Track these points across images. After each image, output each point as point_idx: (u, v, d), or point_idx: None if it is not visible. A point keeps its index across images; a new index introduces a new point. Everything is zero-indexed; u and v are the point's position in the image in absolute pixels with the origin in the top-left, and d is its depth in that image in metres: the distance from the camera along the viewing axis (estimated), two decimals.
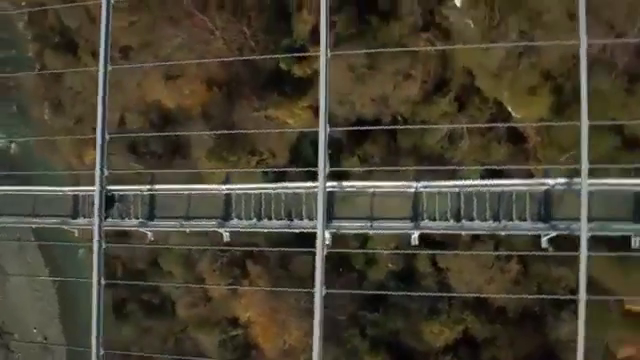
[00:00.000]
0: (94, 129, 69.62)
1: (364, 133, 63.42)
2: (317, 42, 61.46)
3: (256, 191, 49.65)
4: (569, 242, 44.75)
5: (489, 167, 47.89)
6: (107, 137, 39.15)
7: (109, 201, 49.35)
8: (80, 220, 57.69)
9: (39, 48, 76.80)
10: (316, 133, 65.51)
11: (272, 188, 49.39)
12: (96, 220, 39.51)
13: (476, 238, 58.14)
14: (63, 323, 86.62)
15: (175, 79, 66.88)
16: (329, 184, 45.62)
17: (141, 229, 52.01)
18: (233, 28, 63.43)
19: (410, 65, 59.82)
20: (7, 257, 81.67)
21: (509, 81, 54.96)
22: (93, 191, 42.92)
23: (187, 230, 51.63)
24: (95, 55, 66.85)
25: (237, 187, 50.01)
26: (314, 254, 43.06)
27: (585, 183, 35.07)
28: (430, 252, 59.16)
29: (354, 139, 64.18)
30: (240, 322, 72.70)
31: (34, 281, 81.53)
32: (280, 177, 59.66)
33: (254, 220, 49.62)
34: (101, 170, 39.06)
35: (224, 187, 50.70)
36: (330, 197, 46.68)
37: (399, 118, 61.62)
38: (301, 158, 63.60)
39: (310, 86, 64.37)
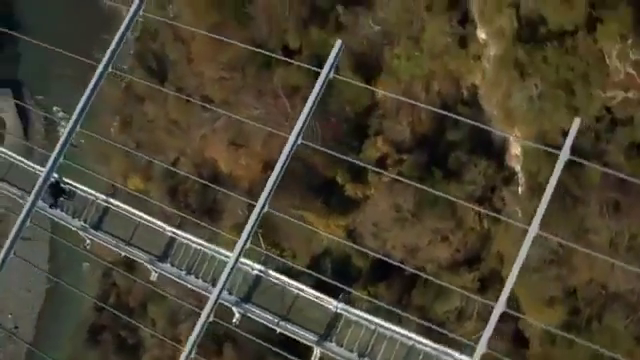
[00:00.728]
0: (150, 161, 71.69)
1: (385, 275, 63.34)
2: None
3: (197, 246, 48.99)
4: None
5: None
6: (77, 129, 39.55)
7: (60, 192, 49.40)
8: None
9: (135, 64, 78.77)
10: (341, 255, 66.44)
11: (208, 249, 48.66)
12: (31, 197, 40.09)
13: None
14: (39, 320, 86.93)
15: (238, 147, 68.00)
16: (257, 266, 45.41)
17: (80, 232, 51.60)
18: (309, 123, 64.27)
19: (451, 230, 60.16)
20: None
21: (532, 283, 54.50)
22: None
23: (122, 253, 51.04)
24: (181, 90, 68.78)
25: (181, 234, 49.48)
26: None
27: None
28: None
29: (373, 275, 64.18)
30: None
31: (30, 272, 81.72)
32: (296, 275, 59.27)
33: (183, 272, 48.73)
34: (56, 156, 39.61)
35: (169, 228, 50.26)
36: (256, 281, 45.98)
37: (421, 273, 61.32)
38: (319, 270, 63.36)
39: (355, 209, 64.81)
